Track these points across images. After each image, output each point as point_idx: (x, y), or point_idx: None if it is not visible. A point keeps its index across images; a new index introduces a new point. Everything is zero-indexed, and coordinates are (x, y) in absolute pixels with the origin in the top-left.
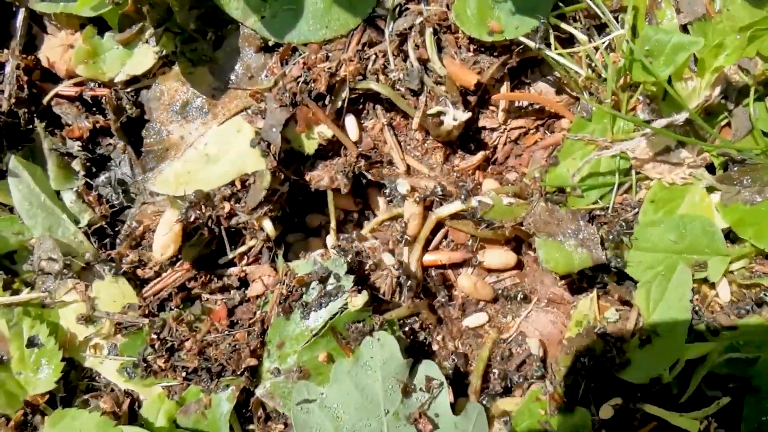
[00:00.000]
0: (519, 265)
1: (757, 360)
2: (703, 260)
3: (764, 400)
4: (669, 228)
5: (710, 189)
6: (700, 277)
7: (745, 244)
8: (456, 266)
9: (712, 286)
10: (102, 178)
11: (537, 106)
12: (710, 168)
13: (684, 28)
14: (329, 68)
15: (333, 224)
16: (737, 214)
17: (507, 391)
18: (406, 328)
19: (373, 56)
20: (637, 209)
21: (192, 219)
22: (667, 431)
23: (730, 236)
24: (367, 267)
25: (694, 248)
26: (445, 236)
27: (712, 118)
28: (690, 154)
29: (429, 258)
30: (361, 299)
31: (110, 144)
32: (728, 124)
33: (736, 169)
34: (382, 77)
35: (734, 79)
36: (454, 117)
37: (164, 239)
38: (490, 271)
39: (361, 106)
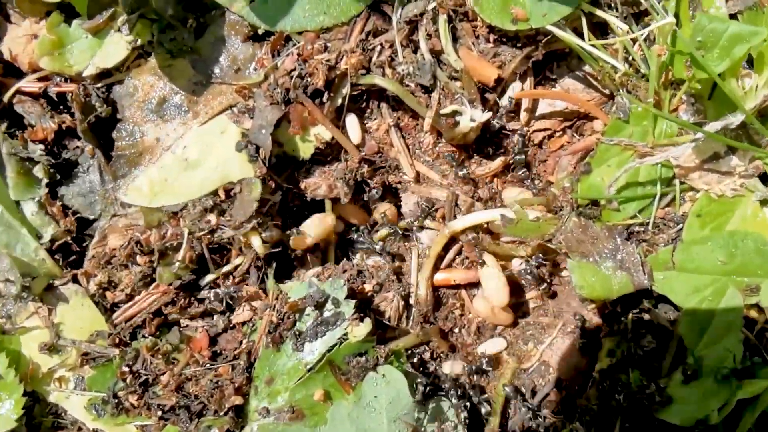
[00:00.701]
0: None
1: None
2: (756, 283)
3: None
4: (717, 246)
5: (764, 202)
6: (750, 302)
7: None
8: (471, 286)
9: (761, 311)
10: (68, 186)
11: (564, 106)
12: (763, 178)
13: (733, 18)
14: (328, 60)
15: (332, 239)
16: None
17: (527, 431)
18: (415, 359)
19: (379, 47)
20: (681, 225)
21: (169, 235)
22: None
23: None
24: (370, 288)
25: (745, 270)
26: (459, 252)
27: (764, 121)
28: (741, 162)
29: (440, 277)
30: (363, 329)
31: (77, 147)
32: None
33: None
34: (388, 71)
35: None
36: (472, 117)
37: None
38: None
39: (364, 105)
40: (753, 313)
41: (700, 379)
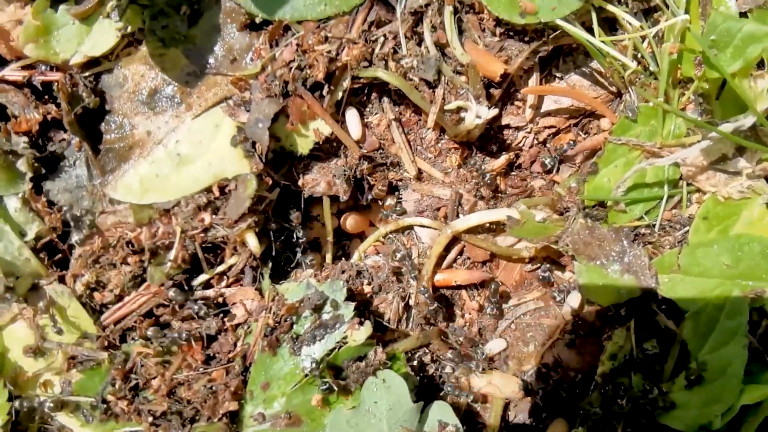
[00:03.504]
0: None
1: None
2: (761, 288)
3: None
4: (723, 250)
5: None
6: (755, 307)
7: None
8: (472, 287)
9: (764, 315)
10: (53, 181)
11: (570, 103)
12: None
13: (743, 17)
14: (328, 52)
15: (330, 237)
16: None
17: None
18: (415, 362)
19: (382, 38)
20: (687, 227)
21: (160, 233)
22: None
23: None
24: (370, 289)
25: (751, 274)
26: (461, 253)
27: None
28: (749, 163)
29: (441, 277)
30: (363, 332)
31: (63, 140)
32: None
33: None
34: (391, 64)
35: None
36: (478, 114)
37: None
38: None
39: (365, 99)
40: (756, 318)
41: (704, 384)
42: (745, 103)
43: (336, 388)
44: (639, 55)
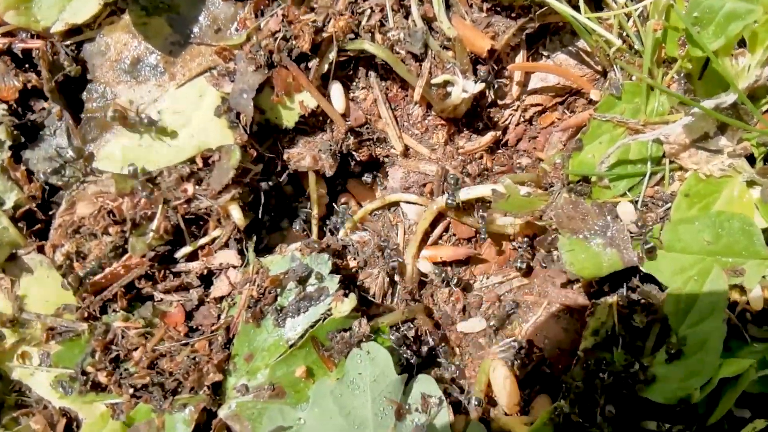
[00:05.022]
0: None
1: None
2: (740, 264)
3: None
4: (704, 226)
5: (750, 183)
6: (735, 283)
7: None
8: (458, 263)
9: (743, 291)
10: (33, 150)
11: (556, 81)
12: (751, 159)
13: None
14: (314, 22)
15: (315, 212)
16: None
17: None
18: (399, 335)
19: (368, 11)
20: (669, 204)
21: (142, 203)
22: None
23: (765, 235)
24: (355, 264)
25: (730, 250)
26: (446, 229)
27: (754, 102)
28: (730, 142)
29: (427, 254)
30: (348, 304)
31: (44, 108)
32: None
33: None
34: (378, 37)
35: None
36: (464, 88)
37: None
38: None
39: (351, 72)
40: (736, 295)
41: (683, 358)
42: (727, 80)
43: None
44: (624, 34)
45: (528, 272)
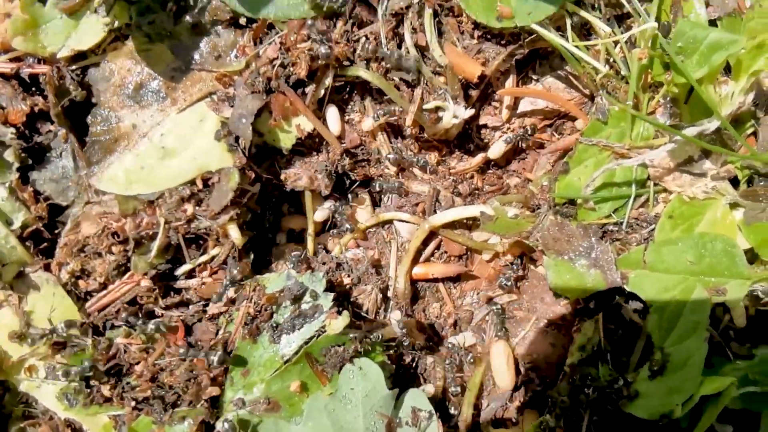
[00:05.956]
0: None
1: None
2: (723, 284)
3: None
4: (687, 247)
5: (733, 205)
6: (717, 302)
7: (767, 267)
8: (449, 280)
9: (727, 310)
10: (39, 171)
11: (545, 105)
12: (734, 182)
13: (712, 24)
14: (311, 50)
15: (311, 230)
16: (761, 234)
17: (500, 423)
18: (391, 351)
19: (363, 39)
20: (653, 225)
21: (144, 224)
22: None
23: (748, 256)
24: (349, 281)
25: (713, 270)
26: (438, 247)
27: (738, 126)
28: (713, 165)
29: (419, 271)
30: (341, 322)
31: (50, 131)
32: (755, 134)
33: (762, 183)
34: (372, 64)
35: (765, 84)
36: (455, 114)
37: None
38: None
39: (347, 96)
40: (719, 312)
41: (666, 374)
42: (710, 107)
43: None
44: (611, 60)
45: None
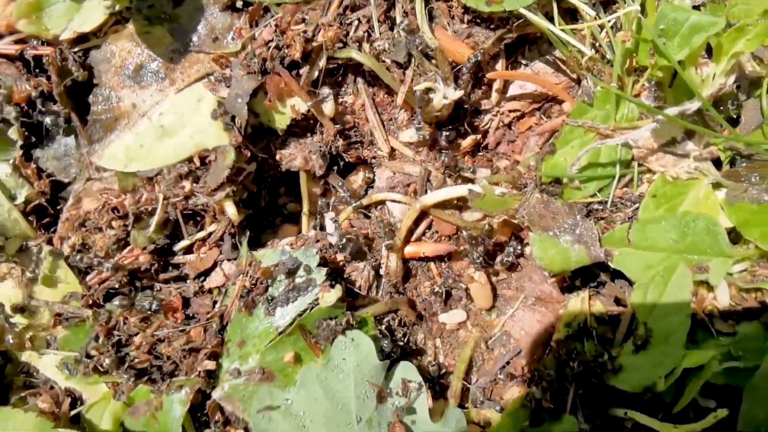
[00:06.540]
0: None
1: (756, 369)
2: (705, 262)
3: (760, 411)
4: (670, 226)
5: (716, 185)
6: (699, 280)
7: (749, 246)
8: (439, 259)
9: (710, 288)
10: (42, 149)
11: (534, 89)
12: (717, 163)
13: (696, 9)
14: (305, 33)
15: (306, 209)
16: (743, 213)
17: (488, 396)
18: (383, 326)
19: (356, 22)
20: (637, 204)
21: (144, 199)
22: None
23: (731, 236)
24: (342, 258)
25: (695, 248)
26: (429, 227)
27: (721, 109)
28: (696, 146)
29: (410, 249)
30: (333, 295)
31: (53, 111)
32: (738, 117)
33: (744, 164)
34: (365, 46)
35: (747, 68)
36: (445, 95)
37: None
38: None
39: (340, 79)
40: (703, 291)
41: (649, 349)
42: (692, 89)
43: None
44: (597, 44)
45: (510, 267)
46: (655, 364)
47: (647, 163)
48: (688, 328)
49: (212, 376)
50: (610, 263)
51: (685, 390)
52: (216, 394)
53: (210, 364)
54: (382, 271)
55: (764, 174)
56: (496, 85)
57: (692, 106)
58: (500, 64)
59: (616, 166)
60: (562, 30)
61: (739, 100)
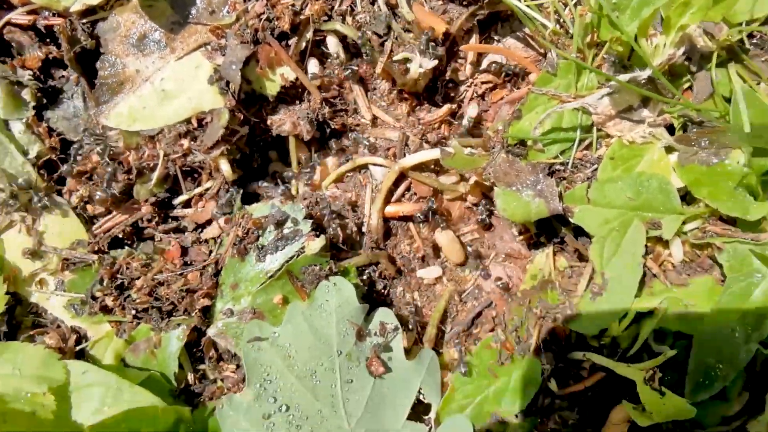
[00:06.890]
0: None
1: (705, 316)
2: (658, 218)
3: (709, 355)
4: (626, 185)
5: (669, 149)
6: (654, 235)
7: (699, 205)
8: (418, 219)
9: (666, 245)
10: (53, 110)
11: (505, 61)
12: (670, 129)
13: None
14: (294, 6)
15: (295, 169)
16: (693, 174)
17: (463, 342)
18: (364, 277)
19: None
20: (596, 165)
21: (146, 156)
22: (614, 382)
23: (687, 198)
24: (327, 216)
25: (649, 206)
26: (408, 188)
27: (675, 80)
28: (651, 113)
29: (391, 209)
30: (318, 243)
31: (63, 76)
32: (690, 87)
33: (695, 130)
34: (348, 19)
35: (699, 42)
36: (421, 64)
37: None
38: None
39: (325, 50)
40: (659, 247)
41: (605, 295)
42: (644, 59)
43: None
44: (561, 20)
45: (487, 227)
46: (610, 310)
47: (606, 128)
48: (640, 276)
49: (207, 316)
50: (570, 219)
51: (640, 332)
52: (210, 332)
53: (206, 302)
54: (364, 229)
55: (713, 139)
56: (470, 58)
57: (643, 73)
58: (474, 39)
59: (576, 131)
60: (528, 6)
61: (692, 71)
